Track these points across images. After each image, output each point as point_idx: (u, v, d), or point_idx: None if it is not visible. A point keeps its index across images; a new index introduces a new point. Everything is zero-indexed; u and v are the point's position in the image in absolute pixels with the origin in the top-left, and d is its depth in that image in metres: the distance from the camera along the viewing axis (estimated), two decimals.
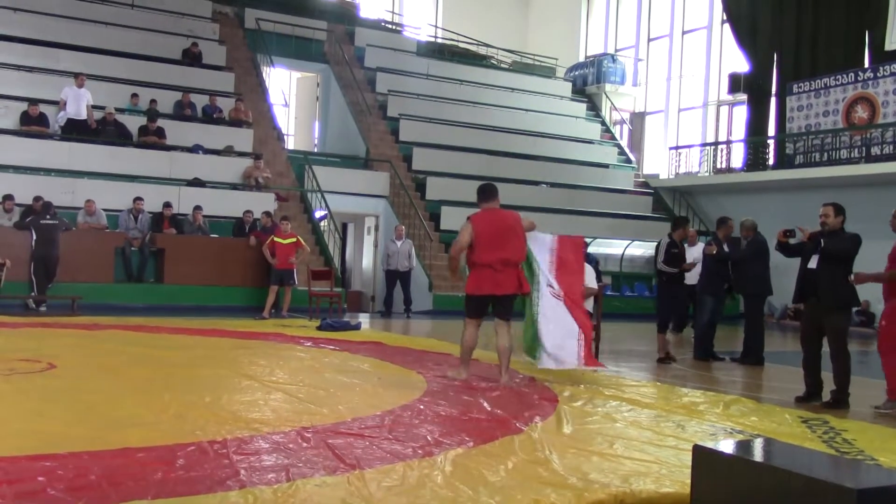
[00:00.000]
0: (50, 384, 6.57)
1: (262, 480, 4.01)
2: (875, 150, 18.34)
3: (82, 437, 4.71)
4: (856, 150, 18.79)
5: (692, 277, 13.99)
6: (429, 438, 5.06)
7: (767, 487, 3.34)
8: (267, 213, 15.41)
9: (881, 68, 18.70)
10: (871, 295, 17.10)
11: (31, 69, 17.15)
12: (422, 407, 6.13)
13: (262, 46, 21.28)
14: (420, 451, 4.72)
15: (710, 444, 3.94)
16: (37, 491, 3.68)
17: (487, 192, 7.73)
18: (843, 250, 7.38)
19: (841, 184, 18.54)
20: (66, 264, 13.18)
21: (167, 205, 14.96)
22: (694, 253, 14.03)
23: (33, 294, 12.91)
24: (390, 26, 27.39)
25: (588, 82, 26.74)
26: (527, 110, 23.87)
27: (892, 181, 17.44)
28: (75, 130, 15.85)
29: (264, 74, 21.14)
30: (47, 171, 15.09)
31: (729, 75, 22.25)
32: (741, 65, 21.97)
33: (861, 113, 18.97)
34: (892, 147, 18.05)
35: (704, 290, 10.72)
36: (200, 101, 18.21)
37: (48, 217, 13.03)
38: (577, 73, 27.28)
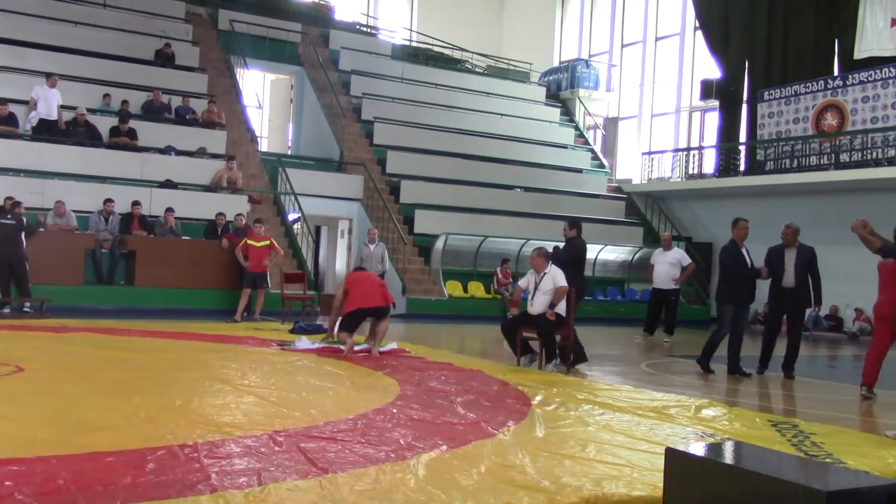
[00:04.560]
0: (18, 387, 6.49)
1: (234, 484, 3.98)
2: (844, 157, 18.57)
3: (50, 441, 4.65)
4: (825, 157, 19.02)
5: (666, 282, 14.02)
6: (402, 442, 5.06)
7: (738, 490, 3.37)
8: (240, 216, 15.33)
9: (850, 76, 18.96)
10: (840, 300, 17.42)
11: (0, 68, 16.93)
12: (395, 411, 6.11)
13: (236, 48, 21.17)
14: (393, 455, 4.71)
15: (681, 447, 3.96)
16: (4, 496, 3.63)
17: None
18: (566, 256, 9.89)
19: (810, 190, 18.78)
20: (34, 266, 12.97)
21: (136, 203, 14.82)
22: (668, 258, 14.09)
23: None
24: (365, 29, 27.35)
25: (562, 87, 26.86)
26: (501, 115, 23.93)
27: (861, 188, 17.69)
28: (46, 131, 15.67)
29: (238, 76, 21.03)
30: (16, 172, 14.89)
31: (701, 82, 22.45)
32: (713, 71, 22.18)
33: (830, 120, 19.21)
34: (860, 154, 18.29)
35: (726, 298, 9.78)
36: (172, 101, 18.07)
37: (8, 217, 12.77)
38: (551, 77, 27.40)
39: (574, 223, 10.60)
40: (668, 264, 13.96)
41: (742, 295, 9.58)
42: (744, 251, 9.61)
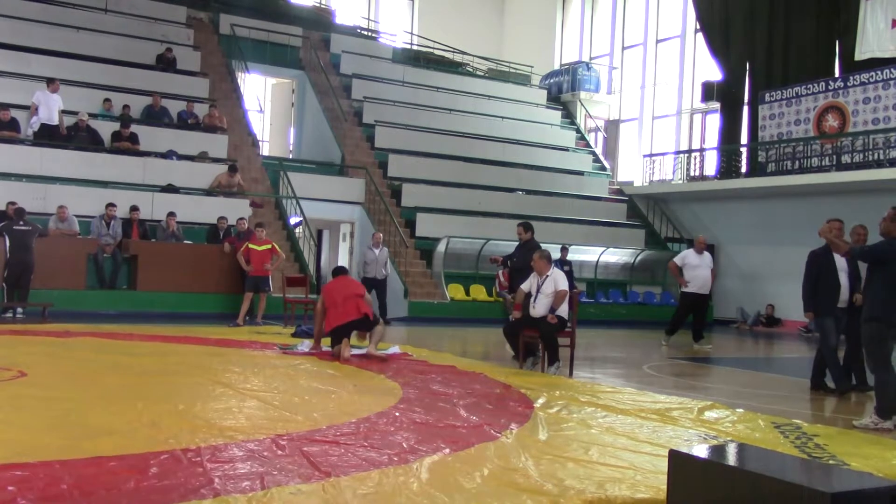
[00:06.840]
0: (21, 392, 6.48)
1: (237, 489, 3.98)
2: (846, 159, 18.57)
3: (54, 446, 4.66)
4: (827, 159, 19.02)
5: (707, 286, 13.59)
6: (404, 445, 5.06)
7: (742, 492, 3.37)
8: (241, 220, 15.33)
9: (851, 78, 18.95)
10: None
11: (1, 73, 16.94)
12: (397, 414, 6.11)
13: (237, 52, 21.20)
14: (395, 459, 4.71)
15: (685, 450, 3.96)
16: (7, 501, 3.63)
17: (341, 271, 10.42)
18: (521, 263, 10.12)
19: (812, 192, 18.77)
20: (37, 271, 12.99)
21: (134, 208, 14.84)
22: (707, 262, 13.67)
23: (3, 302, 12.75)
24: (366, 33, 27.37)
25: (563, 90, 26.87)
26: (502, 118, 23.93)
27: (863, 189, 17.68)
28: (48, 136, 15.68)
29: (239, 80, 21.05)
30: (18, 177, 14.92)
31: (702, 84, 22.45)
32: (714, 73, 22.18)
33: (832, 122, 19.20)
34: (862, 155, 18.29)
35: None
36: (174, 106, 18.09)
37: (21, 223, 12.84)
38: (552, 80, 27.41)
39: (528, 226, 10.73)
40: (709, 268, 13.36)
41: (833, 305, 8.46)
42: (837, 256, 8.24)
